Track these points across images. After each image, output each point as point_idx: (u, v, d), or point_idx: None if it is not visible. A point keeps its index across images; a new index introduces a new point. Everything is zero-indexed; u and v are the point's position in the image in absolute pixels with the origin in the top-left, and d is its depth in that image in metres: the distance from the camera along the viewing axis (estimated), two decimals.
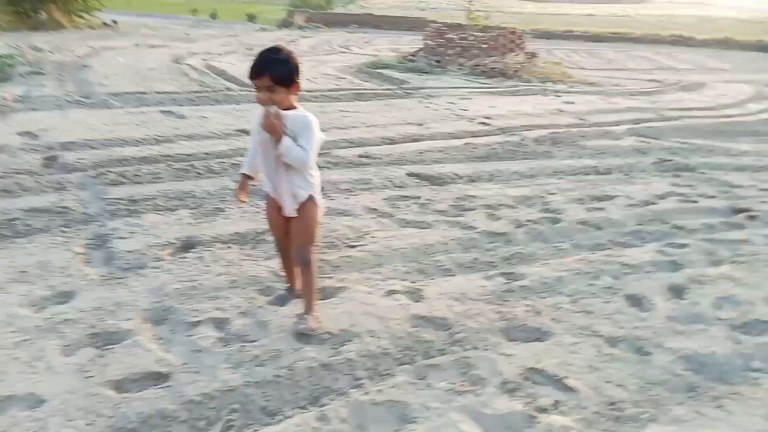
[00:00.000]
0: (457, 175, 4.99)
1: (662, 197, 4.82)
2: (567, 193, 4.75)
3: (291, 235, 2.65)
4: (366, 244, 3.52)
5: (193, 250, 3.28)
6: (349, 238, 3.59)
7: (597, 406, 2.23)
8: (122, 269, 3.02)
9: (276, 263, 3.17)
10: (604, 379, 2.39)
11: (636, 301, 3.08)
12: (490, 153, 5.66)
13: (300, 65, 2.43)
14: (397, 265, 3.33)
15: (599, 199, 4.70)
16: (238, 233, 3.52)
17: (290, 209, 2.56)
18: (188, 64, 10.02)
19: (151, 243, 3.29)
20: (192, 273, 3.01)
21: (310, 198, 2.58)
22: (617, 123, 7.73)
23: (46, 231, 3.39)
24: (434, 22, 31.24)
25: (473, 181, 4.95)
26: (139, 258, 3.12)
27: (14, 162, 4.32)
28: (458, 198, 4.45)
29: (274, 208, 2.64)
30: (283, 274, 2.93)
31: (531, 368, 2.43)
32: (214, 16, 37.59)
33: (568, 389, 2.32)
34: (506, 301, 2.98)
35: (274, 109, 2.35)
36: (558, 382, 2.36)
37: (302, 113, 2.47)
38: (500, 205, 4.38)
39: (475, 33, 13.18)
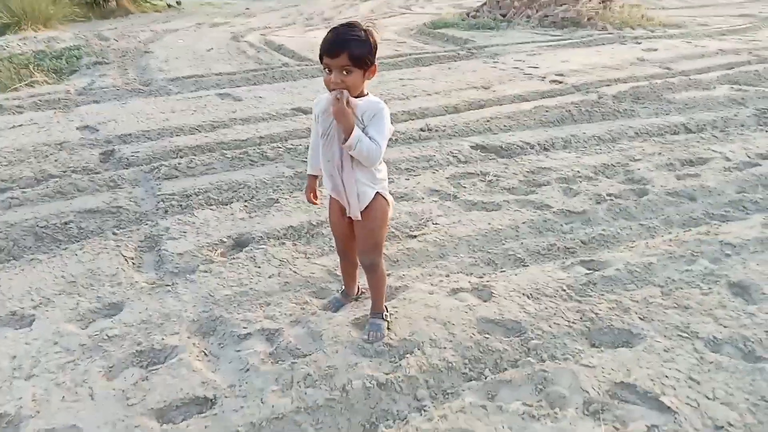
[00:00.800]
0: (527, 143, 4.56)
1: (766, 156, 4.21)
2: (653, 158, 4.24)
3: (356, 237, 2.37)
4: (428, 233, 3.23)
5: (245, 249, 3.11)
6: (409, 227, 3.31)
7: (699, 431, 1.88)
8: (172, 274, 2.90)
9: (331, 260, 2.96)
10: (706, 395, 2.03)
11: (741, 290, 2.64)
12: (563, 116, 5.16)
13: (379, 45, 2.11)
14: (463, 256, 3.03)
15: (691, 163, 4.17)
16: (292, 227, 3.31)
17: (356, 211, 2.26)
18: (246, 41, 9.88)
19: (203, 243, 3.14)
20: (243, 276, 2.84)
21: (378, 196, 2.28)
22: (707, 69, 6.92)
23: (98, 233, 3.32)
24: None
25: (546, 149, 4.51)
26: (189, 261, 2.99)
27: (72, 160, 4.31)
28: (529, 171, 4.05)
29: (337, 209, 2.37)
30: (340, 274, 2.70)
31: (619, 383, 2.09)
32: None
33: (665, 409, 1.98)
34: (587, 296, 2.62)
35: (345, 93, 2.03)
36: (651, 401, 2.02)
37: (374, 100, 2.16)
38: (577, 176, 3.95)
39: None
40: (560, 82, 6.40)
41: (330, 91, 2.08)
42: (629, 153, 4.33)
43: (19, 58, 8.46)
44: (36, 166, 4.22)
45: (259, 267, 2.92)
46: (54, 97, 6.13)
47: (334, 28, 2.10)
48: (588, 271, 2.83)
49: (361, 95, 2.13)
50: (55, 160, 4.33)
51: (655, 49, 8.31)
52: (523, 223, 3.33)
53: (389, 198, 2.35)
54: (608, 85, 6.21)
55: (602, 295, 2.63)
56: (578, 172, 4.01)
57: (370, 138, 2.09)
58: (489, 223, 3.33)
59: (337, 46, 2.01)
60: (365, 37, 2.04)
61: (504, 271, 2.90)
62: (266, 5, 23.30)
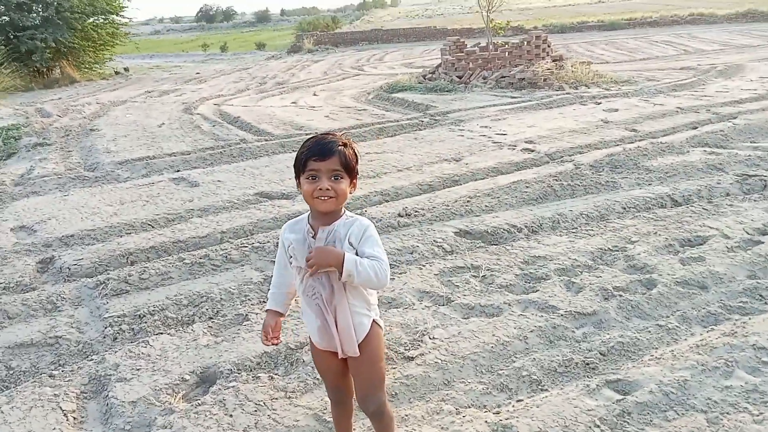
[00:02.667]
0: (513, 226, 4.24)
1: (764, 231, 4.01)
2: (650, 238, 3.97)
3: (354, 380, 1.99)
4: (426, 352, 2.80)
5: (212, 388, 2.60)
6: (403, 344, 2.88)
7: None
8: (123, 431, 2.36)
9: (316, 398, 2.49)
10: None
11: None
12: (545, 191, 4.90)
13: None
14: (471, 381, 2.61)
15: (690, 243, 3.91)
16: (266, 353, 2.83)
17: (352, 347, 1.89)
18: (200, 114, 9.49)
19: (161, 384, 2.62)
20: (211, 431, 2.32)
21: (374, 324, 1.94)
22: (673, 130, 6.91)
23: (32, 375, 2.75)
24: (444, 29, 30.53)
25: (535, 232, 4.20)
26: (144, 412, 2.46)
27: (3, 273, 3.73)
28: (524, 262, 3.71)
29: (322, 351, 1.97)
30: (330, 420, 2.24)
31: None
32: (224, 49, 37.63)
33: None
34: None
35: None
36: None
37: (356, 218, 1.88)
38: (576, 266, 3.63)
39: (495, 41, 12.45)
40: (532, 150, 6.22)
41: (313, 198, 1.79)
42: (624, 234, 4.05)
43: None
44: None
45: (231, 416, 2.41)
46: None
47: (315, 137, 1.87)
48: (619, 397, 2.44)
49: (338, 213, 1.85)
50: None
51: (616, 110, 8.35)
52: (531, 331, 2.95)
53: (381, 322, 1.99)
54: (581, 153, 6.06)
55: (642, 429, 2.24)
56: (576, 260, 3.69)
57: (367, 257, 1.77)
58: (493, 334, 2.93)
59: (328, 148, 1.79)
60: (347, 143, 1.86)
61: (521, 399, 2.49)
62: (216, 68, 23.15)
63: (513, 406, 2.44)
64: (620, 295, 3.25)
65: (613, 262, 3.68)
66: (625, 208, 4.53)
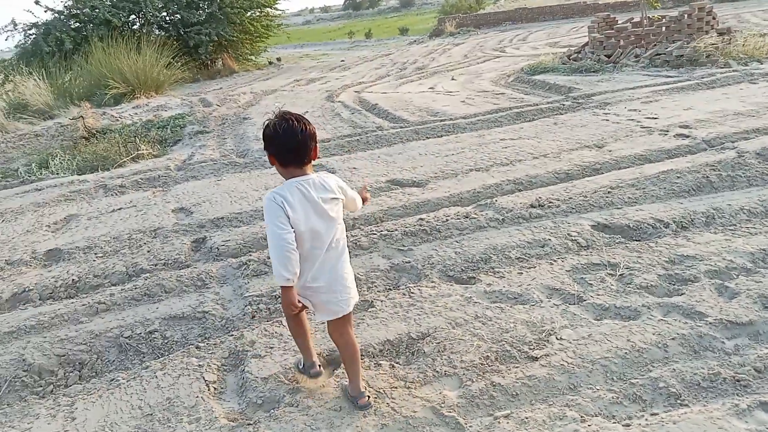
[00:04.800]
0: (660, 221, 3.90)
1: None
2: None
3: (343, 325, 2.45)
4: (552, 353, 2.68)
5: (336, 371, 2.71)
6: (527, 343, 2.78)
7: None
8: (255, 406, 2.54)
9: (435, 390, 2.49)
10: None
11: None
12: (700, 182, 4.44)
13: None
14: (599, 388, 2.45)
15: None
16: (389, 341, 2.88)
17: (349, 305, 2.40)
18: (340, 101, 9.84)
19: (290, 363, 2.78)
20: (333, 415, 2.42)
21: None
22: None
23: (182, 346, 3.06)
24: (595, 5, 28.64)
25: (684, 228, 3.83)
26: (274, 389, 2.62)
27: (164, 251, 4.17)
28: (669, 261, 3.40)
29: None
30: (446, 414, 2.29)
31: None
32: (368, 35, 38.57)
33: None
34: None
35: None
36: None
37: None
38: (731, 268, 3.25)
39: (650, 15, 11.43)
40: (687, 136, 5.64)
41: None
42: None
43: (129, 130, 8.84)
44: (129, 258, 4.12)
45: (352, 400, 2.49)
46: (155, 174, 6.20)
47: (284, 128, 2.19)
48: None
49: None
50: (148, 251, 4.21)
51: None
52: (672, 339, 2.69)
53: None
54: (747, 139, 5.39)
55: None
56: (732, 261, 3.30)
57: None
58: (628, 339, 2.72)
59: (303, 153, 2.25)
60: (309, 130, 2.24)
61: (656, 413, 2.29)
62: (360, 54, 23.86)
63: (646, 419, 2.26)
64: None
65: None
66: None
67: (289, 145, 2.20)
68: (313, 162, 2.30)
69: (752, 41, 10.12)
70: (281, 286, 2.23)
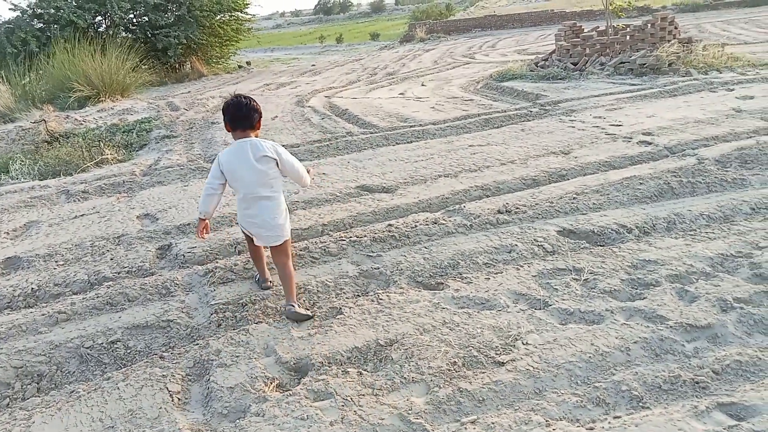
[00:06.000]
0: (623, 227, 3.98)
1: None
2: None
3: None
4: (518, 358, 2.70)
5: (303, 379, 2.69)
6: (494, 348, 2.80)
7: None
8: (220, 416, 2.51)
9: (402, 396, 2.49)
10: None
11: None
12: (661, 188, 4.54)
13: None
14: (564, 392, 2.49)
15: None
16: (356, 348, 2.87)
17: (277, 240, 3.24)
18: (310, 106, 9.80)
19: (257, 372, 2.75)
20: (300, 424, 2.40)
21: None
22: None
23: (145, 356, 3.00)
24: (562, 13, 29.17)
25: (647, 233, 3.91)
26: (240, 398, 2.59)
27: (127, 258, 4.09)
28: (631, 266, 3.47)
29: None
30: (412, 419, 2.29)
31: None
32: (339, 40, 38.56)
33: None
34: None
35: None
36: None
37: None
38: (691, 272, 3.33)
39: (615, 24, 11.69)
40: (650, 143, 5.78)
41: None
42: (750, 238, 3.66)
43: (93, 134, 8.66)
44: (92, 266, 4.02)
45: (319, 409, 2.47)
46: (119, 180, 6.08)
47: (234, 103, 3.16)
48: (732, 422, 2.22)
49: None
50: (111, 259, 4.12)
51: (752, 97, 7.55)
52: (635, 342, 2.75)
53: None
54: (707, 146, 5.54)
55: None
56: (692, 266, 3.39)
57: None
58: (592, 343, 2.77)
59: (246, 121, 3.17)
60: (253, 105, 3.17)
61: (618, 416, 2.33)
62: (331, 59, 23.82)
63: (609, 422, 2.30)
64: (741, 308, 2.94)
65: (736, 269, 3.34)
66: (754, 209, 4.10)
67: (236, 114, 3.15)
68: (257, 130, 3.22)
69: (712, 51, 10.44)
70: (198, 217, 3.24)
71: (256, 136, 3.19)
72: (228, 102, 3.16)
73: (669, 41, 10.60)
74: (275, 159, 3.11)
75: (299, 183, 3.36)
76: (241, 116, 3.13)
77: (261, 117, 3.23)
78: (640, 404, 2.40)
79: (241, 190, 3.15)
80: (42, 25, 17.64)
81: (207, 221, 3.25)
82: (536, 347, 2.78)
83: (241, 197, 3.18)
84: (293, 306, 3.15)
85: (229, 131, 3.19)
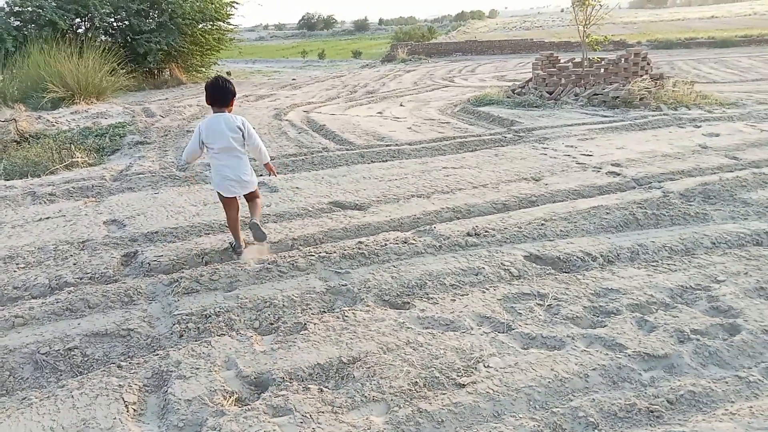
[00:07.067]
0: (588, 254, 4.06)
1: None
2: (739, 279, 3.67)
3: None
4: (479, 381, 2.72)
5: (263, 394, 2.66)
6: (456, 369, 2.81)
7: None
8: (176, 429, 2.46)
9: (362, 415, 2.48)
10: None
11: None
12: (627, 219, 4.65)
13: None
14: (522, 416, 2.51)
15: None
16: (319, 365, 2.86)
17: (246, 189, 4.16)
18: (288, 120, 9.81)
19: (216, 386, 2.71)
20: None
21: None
22: None
23: (103, 364, 2.94)
24: (541, 42, 29.85)
25: (610, 262, 3.99)
26: (197, 411, 2.55)
27: (91, 264, 4.02)
28: (594, 294, 3.53)
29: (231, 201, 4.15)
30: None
31: None
32: (321, 56, 38.74)
33: None
34: None
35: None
36: None
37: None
38: (651, 303, 3.41)
39: (590, 57, 12.00)
40: (618, 174, 5.93)
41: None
42: (710, 272, 3.77)
43: (64, 136, 8.53)
44: (53, 270, 3.94)
45: (277, 425, 2.45)
46: (88, 184, 5.99)
47: (213, 83, 4.01)
48: None
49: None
50: (74, 264, 4.04)
51: (718, 134, 7.80)
52: (593, 369, 2.79)
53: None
54: (672, 180, 5.70)
55: None
56: (652, 296, 3.47)
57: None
58: (552, 369, 2.80)
59: (222, 99, 4.00)
60: (228, 87, 4.00)
61: None
62: (312, 74, 23.91)
63: None
64: (697, 339, 3.01)
65: (694, 301, 3.42)
66: (714, 243, 4.21)
67: (214, 93, 3.95)
68: (231, 107, 4.03)
69: (681, 88, 10.78)
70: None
71: (230, 112, 4.00)
72: (209, 81, 3.97)
73: (641, 76, 10.92)
74: (242, 131, 3.94)
75: (258, 158, 4.15)
76: (219, 95, 3.93)
77: (234, 97, 4.02)
78: (596, 431, 2.43)
79: (215, 145, 3.93)
80: (19, 23, 17.37)
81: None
82: (497, 370, 2.81)
83: (215, 154, 3.95)
84: (256, 220, 4.03)
85: (208, 105, 3.99)
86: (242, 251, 4.08)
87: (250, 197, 4.19)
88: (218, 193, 4.10)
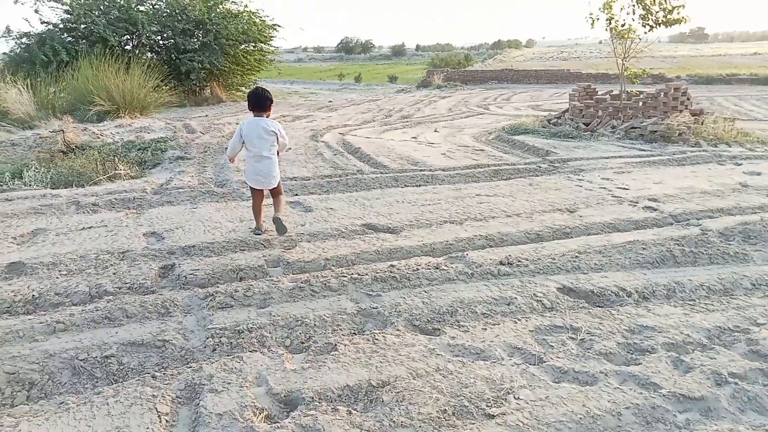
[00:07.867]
0: (623, 290, 4.00)
1: None
2: None
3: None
4: (508, 413, 2.70)
5: (292, 413, 2.68)
6: (485, 399, 2.79)
7: None
8: None
9: None
10: None
11: None
12: (663, 255, 4.58)
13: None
14: None
15: None
16: (348, 386, 2.88)
17: (271, 185, 4.95)
18: (324, 141, 9.96)
19: (247, 401, 2.75)
20: None
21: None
22: None
23: (138, 374, 3.00)
24: (578, 73, 29.75)
25: (646, 299, 3.93)
26: (228, 426, 2.58)
27: (130, 274, 4.12)
28: (629, 330, 3.48)
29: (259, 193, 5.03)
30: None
31: None
32: (358, 79, 39.28)
33: None
34: None
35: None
36: None
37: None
38: (688, 342, 3.34)
39: (629, 90, 11.92)
40: (655, 209, 5.85)
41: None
42: (749, 313, 3.68)
43: (109, 148, 8.80)
44: (94, 279, 4.06)
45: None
46: (130, 196, 6.16)
47: (254, 92, 4.84)
48: None
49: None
50: (114, 273, 4.16)
51: (759, 173, 7.64)
52: (626, 408, 2.74)
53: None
54: (711, 217, 5.60)
55: None
56: (689, 336, 3.40)
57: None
58: (584, 404, 2.76)
59: (261, 105, 4.81)
60: (266, 95, 4.82)
61: None
62: (348, 97, 24.25)
63: None
64: (736, 383, 2.93)
65: (733, 344, 3.34)
66: (754, 285, 4.12)
67: (254, 99, 4.76)
68: (268, 111, 4.83)
69: (722, 124, 10.61)
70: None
71: (267, 116, 4.79)
72: (251, 90, 4.80)
73: (681, 111, 10.80)
74: (276, 134, 4.78)
75: (281, 150, 4.96)
76: (258, 101, 4.75)
77: (272, 103, 4.83)
78: None
79: (252, 149, 4.75)
80: (71, 39, 18.09)
81: (233, 158, 5.02)
82: (528, 403, 2.78)
83: (251, 155, 4.77)
84: (279, 215, 4.78)
85: (249, 110, 4.81)
86: (262, 232, 4.94)
87: (275, 193, 4.94)
88: (247, 183, 4.96)
